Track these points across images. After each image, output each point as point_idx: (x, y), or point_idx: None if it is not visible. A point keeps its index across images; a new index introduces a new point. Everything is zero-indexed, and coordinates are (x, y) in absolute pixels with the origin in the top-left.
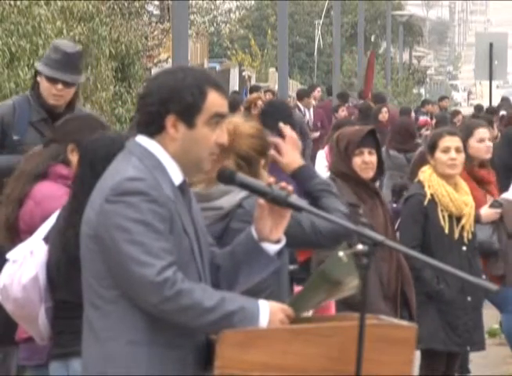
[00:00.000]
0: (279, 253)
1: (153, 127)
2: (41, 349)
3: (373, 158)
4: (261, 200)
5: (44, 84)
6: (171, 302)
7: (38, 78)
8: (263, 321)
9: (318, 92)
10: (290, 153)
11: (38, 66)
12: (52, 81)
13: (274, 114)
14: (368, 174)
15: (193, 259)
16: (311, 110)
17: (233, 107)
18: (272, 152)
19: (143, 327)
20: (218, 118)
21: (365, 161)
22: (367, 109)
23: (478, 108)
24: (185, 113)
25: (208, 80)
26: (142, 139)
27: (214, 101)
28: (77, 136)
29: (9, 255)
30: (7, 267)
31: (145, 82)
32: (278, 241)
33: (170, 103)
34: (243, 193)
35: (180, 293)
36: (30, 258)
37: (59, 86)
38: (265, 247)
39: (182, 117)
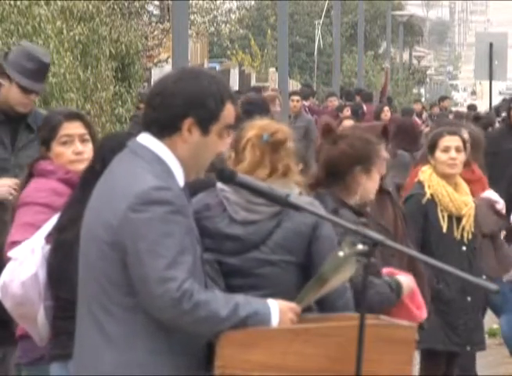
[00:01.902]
0: None
1: (168, 128)
2: (33, 347)
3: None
4: None
5: (15, 93)
6: (188, 315)
7: (4, 82)
8: (275, 322)
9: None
10: None
11: (10, 72)
12: (27, 91)
13: (254, 112)
14: (384, 170)
15: (201, 265)
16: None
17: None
18: None
19: (163, 336)
20: (228, 129)
21: (383, 157)
22: (357, 107)
23: (473, 108)
24: (204, 120)
25: (227, 90)
26: (148, 141)
27: (229, 112)
28: (42, 135)
29: (10, 253)
30: (9, 265)
31: (162, 83)
32: None
33: (193, 107)
34: (295, 191)
35: (198, 305)
36: (31, 256)
37: (33, 96)
38: None
39: (199, 123)
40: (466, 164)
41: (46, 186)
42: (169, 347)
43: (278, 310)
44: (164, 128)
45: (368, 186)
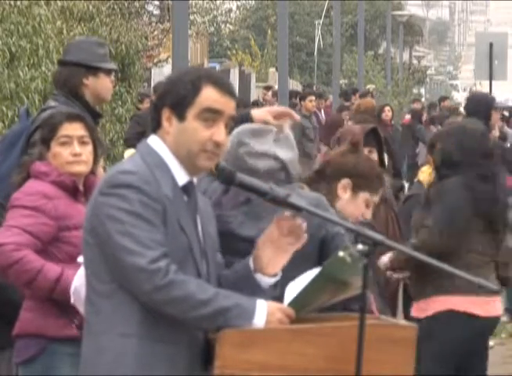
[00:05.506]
0: (275, 285)
1: (154, 123)
2: (27, 347)
3: (373, 156)
4: (272, 229)
5: (106, 82)
6: (162, 292)
7: (88, 81)
8: (259, 320)
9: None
10: None
11: (97, 64)
12: (111, 73)
13: None
14: None
15: (192, 258)
16: (322, 111)
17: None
18: None
19: (136, 321)
20: (211, 113)
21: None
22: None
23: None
24: (177, 106)
25: (207, 76)
26: (151, 138)
27: (209, 96)
28: (43, 134)
29: (79, 259)
30: (79, 270)
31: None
32: (274, 275)
33: (165, 96)
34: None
35: (172, 283)
36: None
37: (112, 77)
38: (259, 278)
39: (174, 110)
40: None
41: (36, 190)
42: (144, 333)
43: (265, 309)
44: (154, 125)
45: None
